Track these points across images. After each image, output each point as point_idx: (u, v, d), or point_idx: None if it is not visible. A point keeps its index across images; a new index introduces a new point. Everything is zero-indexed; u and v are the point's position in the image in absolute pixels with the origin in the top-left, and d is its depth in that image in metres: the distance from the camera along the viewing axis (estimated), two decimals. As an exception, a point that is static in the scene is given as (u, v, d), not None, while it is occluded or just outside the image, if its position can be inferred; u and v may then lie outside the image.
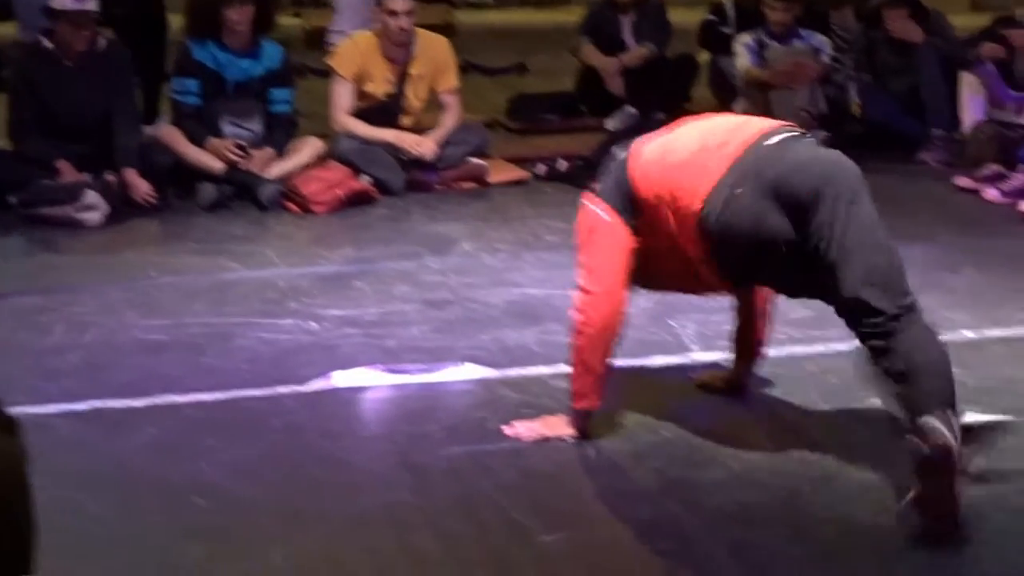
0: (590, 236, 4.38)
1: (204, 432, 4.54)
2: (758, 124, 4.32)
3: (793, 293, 4.41)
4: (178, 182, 7.41)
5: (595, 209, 4.37)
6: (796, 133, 4.28)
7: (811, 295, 4.30)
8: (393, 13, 7.60)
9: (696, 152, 4.22)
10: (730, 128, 4.36)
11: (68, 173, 7.09)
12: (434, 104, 7.94)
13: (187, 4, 7.75)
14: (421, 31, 7.91)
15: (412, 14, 7.69)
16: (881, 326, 4.03)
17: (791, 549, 3.79)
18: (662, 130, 4.46)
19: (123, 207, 7.08)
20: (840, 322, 4.10)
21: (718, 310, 5.16)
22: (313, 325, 5.56)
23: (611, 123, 8.36)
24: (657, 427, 4.51)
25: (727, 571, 3.70)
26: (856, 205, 4.10)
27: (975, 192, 7.42)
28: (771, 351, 4.80)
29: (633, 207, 4.29)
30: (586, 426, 4.43)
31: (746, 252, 4.16)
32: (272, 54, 7.66)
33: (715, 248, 4.14)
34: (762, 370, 4.82)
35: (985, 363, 5.00)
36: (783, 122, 4.38)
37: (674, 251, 4.28)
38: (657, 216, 4.25)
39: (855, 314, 4.10)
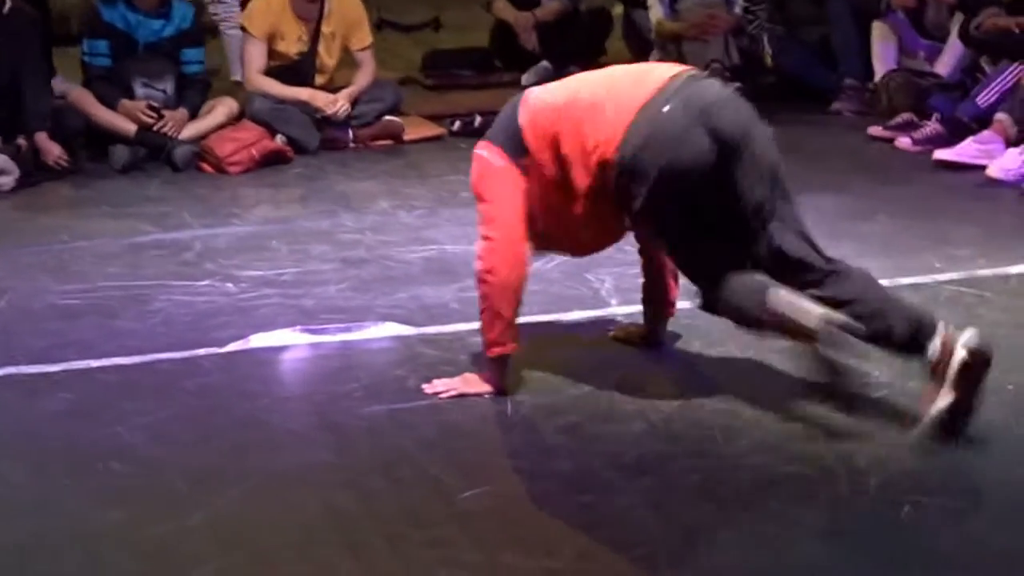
0: (484, 182, 4.38)
1: (120, 396, 4.51)
2: (670, 67, 4.35)
3: (687, 249, 4.36)
4: (90, 145, 7.37)
5: (485, 155, 4.36)
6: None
7: (707, 250, 4.31)
8: None
9: (606, 93, 4.21)
10: (641, 70, 4.39)
11: (-25, 138, 7.02)
12: (348, 62, 7.91)
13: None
14: None
15: None
16: (820, 273, 4.12)
17: (708, 500, 3.83)
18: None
19: (35, 171, 7.03)
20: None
21: (636, 263, 5.19)
22: (230, 286, 5.53)
23: (526, 78, 8.35)
24: (575, 381, 4.53)
25: (646, 522, 3.72)
26: (776, 161, 4.17)
27: (888, 141, 7.49)
28: (688, 303, 4.83)
29: (523, 150, 4.30)
30: (503, 378, 4.44)
31: (660, 180, 4.12)
32: (183, 14, 7.60)
33: (625, 182, 4.14)
34: (679, 323, 4.84)
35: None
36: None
37: (567, 197, 4.30)
38: (549, 158, 4.26)
39: (792, 268, 4.15)
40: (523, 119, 4.29)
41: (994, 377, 4.36)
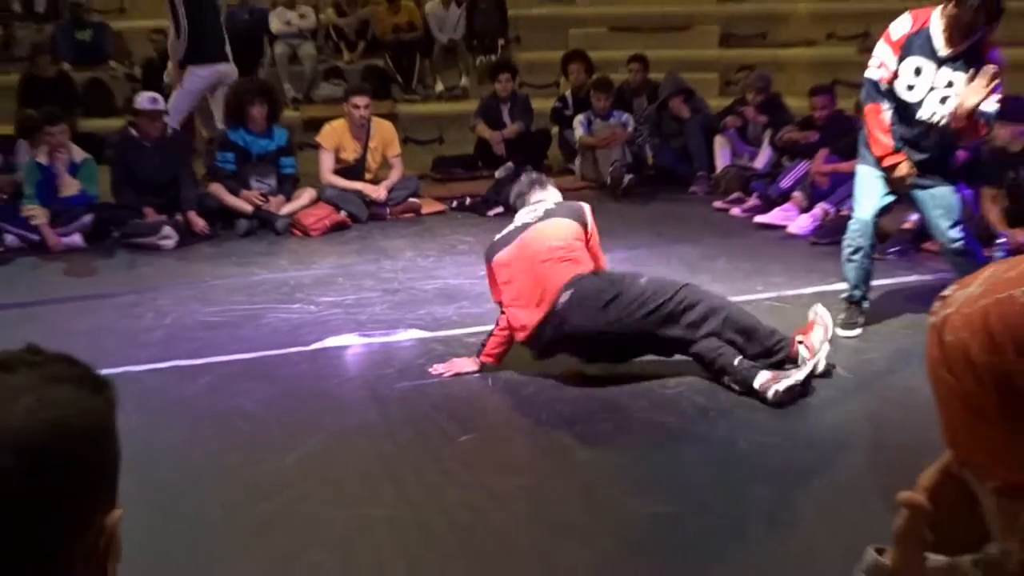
0: (491, 285, 4.56)
1: (242, 379, 4.51)
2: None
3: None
4: (223, 219, 7.31)
5: (487, 268, 4.54)
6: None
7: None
8: (356, 107, 7.54)
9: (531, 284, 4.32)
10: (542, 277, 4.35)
11: (151, 215, 6.98)
12: (386, 164, 7.88)
13: (226, 104, 7.63)
14: (376, 118, 7.85)
15: (368, 107, 7.63)
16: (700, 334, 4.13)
17: (625, 435, 3.83)
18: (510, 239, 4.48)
19: (188, 237, 6.99)
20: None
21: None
22: (312, 308, 5.53)
23: (498, 173, 8.36)
24: (534, 366, 4.53)
25: (584, 455, 3.73)
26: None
27: (725, 211, 7.48)
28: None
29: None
30: (482, 365, 4.46)
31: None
32: (280, 135, 7.57)
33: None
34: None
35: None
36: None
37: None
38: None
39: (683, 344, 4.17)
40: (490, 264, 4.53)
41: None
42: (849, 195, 6.46)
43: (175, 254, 6.78)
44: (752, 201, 7.32)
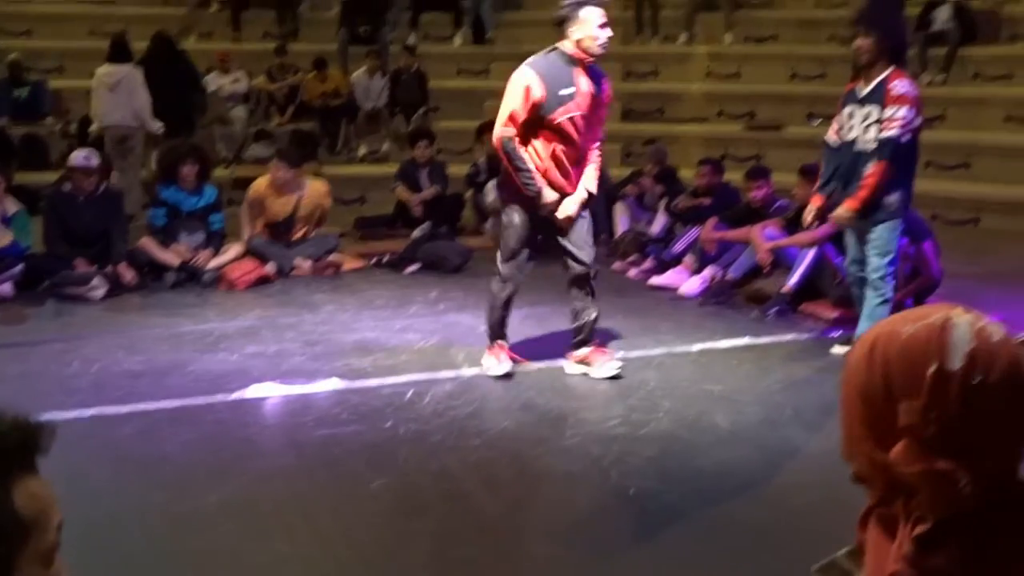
0: None
1: (167, 425, 4.47)
2: None
3: None
4: (152, 272, 7.22)
5: None
6: None
7: None
8: (276, 170, 7.56)
9: None
10: None
11: (81, 266, 6.85)
12: (315, 220, 7.82)
13: (158, 161, 7.59)
14: (310, 178, 7.88)
15: (288, 172, 7.57)
16: None
17: (524, 481, 3.88)
18: None
19: (117, 288, 6.87)
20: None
21: (480, 343, 5.25)
22: (235, 357, 5.49)
23: (415, 234, 8.36)
24: (443, 417, 4.58)
25: (495, 494, 3.76)
26: None
27: (623, 272, 7.57)
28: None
29: None
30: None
31: None
32: (211, 193, 7.53)
33: None
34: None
35: (630, 372, 5.17)
36: None
37: None
38: None
39: None
40: None
41: (674, 408, 4.51)
42: (734, 260, 6.72)
43: (104, 304, 6.67)
44: (647, 264, 7.45)
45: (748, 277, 6.63)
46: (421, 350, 5.60)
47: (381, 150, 10.96)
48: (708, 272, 6.85)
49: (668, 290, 6.95)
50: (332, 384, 5.02)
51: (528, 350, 5.42)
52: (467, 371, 5.22)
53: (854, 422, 1.04)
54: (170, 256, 7.20)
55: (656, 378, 5.10)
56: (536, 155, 4.81)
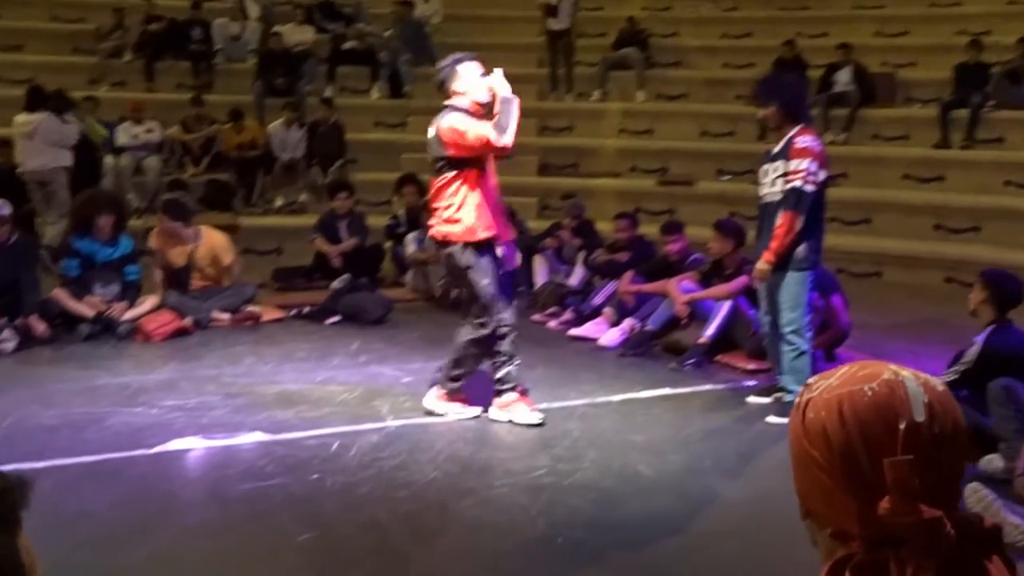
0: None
1: (87, 481, 4.38)
2: None
3: None
4: (65, 324, 7.06)
5: None
6: None
7: None
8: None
9: None
10: None
11: (-10, 318, 6.68)
12: (216, 271, 7.70)
13: (72, 213, 7.47)
14: (207, 228, 7.80)
15: (176, 224, 7.51)
16: None
17: (452, 532, 3.89)
18: None
19: (28, 340, 6.70)
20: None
21: (406, 394, 5.26)
22: (155, 411, 5.40)
23: (334, 285, 8.35)
24: (369, 469, 4.58)
25: (423, 545, 3.77)
26: None
27: (543, 324, 7.63)
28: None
29: None
30: None
31: None
32: (126, 244, 7.40)
33: None
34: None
35: (554, 422, 5.24)
36: None
37: None
38: None
39: None
40: None
41: (598, 458, 4.58)
42: (652, 312, 6.86)
43: (14, 357, 6.49)
44: (567, 315, 7.54)
45: (666, 329, 6.76)
46: (345, 401, 5.59)
47: (298, 201, 10.93)
48: (627, 324, 6.97)
49: (588, 341, 7.03)
50: (256, 437, 4.97)
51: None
52: (392, 422, 5.22)
53: (830, 484, 1.10)
54: (84, 307, 7.05)
55: (580, 428, 5.17)
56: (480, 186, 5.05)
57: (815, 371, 5.88)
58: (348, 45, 12.66)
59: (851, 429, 1.10)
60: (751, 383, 6.00)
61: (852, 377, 1.13)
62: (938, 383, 1.13)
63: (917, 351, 6.39)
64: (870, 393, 1.10)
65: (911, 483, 1.06)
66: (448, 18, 13.54)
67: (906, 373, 1.12)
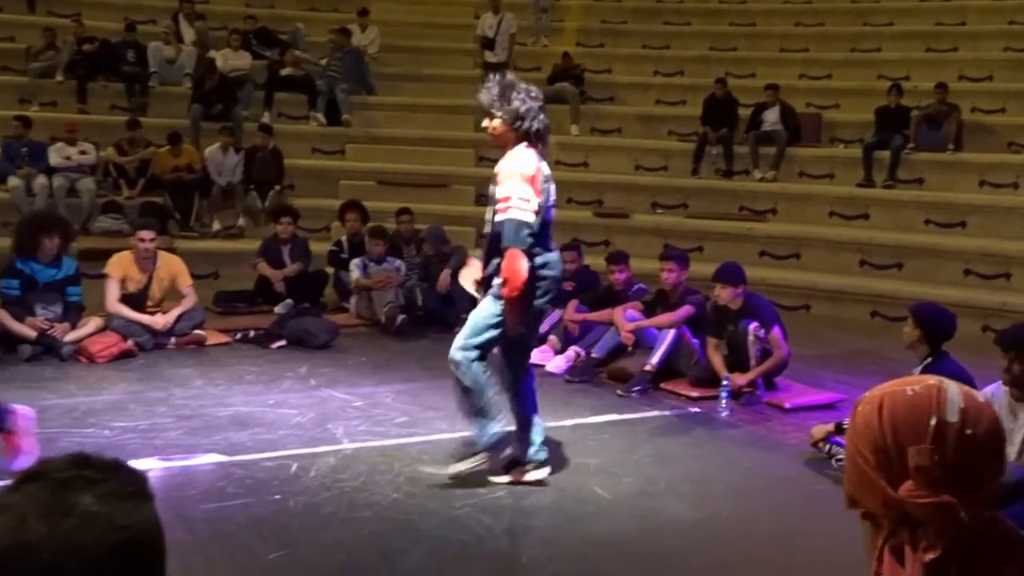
0: None
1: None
2: None
3: None
4: (5, 345, 6.94)
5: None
6: None
7: None
8: (142, 240, 7.46)
9: None
10: None
11: (-71, 338, 6.55)
12: (173, 295, 7.68)
13: (15, 233, 7.36)
14: (162, 251, 7.78)
15: (154, 240, 7.56)
16: None
17: (417, 552, 3.96)
18: None
19: (-32, 361, 6.58)
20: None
21: (360, 417, 5.30)
22: (106, 432, 5.37)
23: (277, 309, 8.37)
24: (331, 490, 4.62)
25: (390, 565, 3.82)
26: None
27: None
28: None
29: None
30: None
31: None
32: (69, 265, 7.31)
33: None
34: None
35: (505, 444, 5.31)
36: None
37: None
38: None
39: None
40: None
41: (555, 481, 4.70)
42: (596, 340, 7.03)
43: (-47, 379, 6.37)
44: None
45: (611, 356, 6.92)
46: (299, 424, 5.62)
47: (236, 226, 10.88)
48: (572, 351, 7.11)
49: (535, 367, 7.09)
50: (213, 458, 4.98)
51: (409, 425, 5.53)
52: (348, 445, 5.27)
53: (865, 468, 1.25)
54: (25, 329, 6.94)
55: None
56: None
57: (755, 400, 6.13)
58: (285, 72, 12.68)
59: (886, 420, 1.25)
60: (695, 410, 6.18)
61: (902, 381, 1.29)
62: (980, 396, 1.28)
63: (851, 381, 6.65)
64: (911, 393, 1.25)
65: (931, 470, 1.19)
66: (386, 48, 13.66)
67: (951, 383, 1.27)
